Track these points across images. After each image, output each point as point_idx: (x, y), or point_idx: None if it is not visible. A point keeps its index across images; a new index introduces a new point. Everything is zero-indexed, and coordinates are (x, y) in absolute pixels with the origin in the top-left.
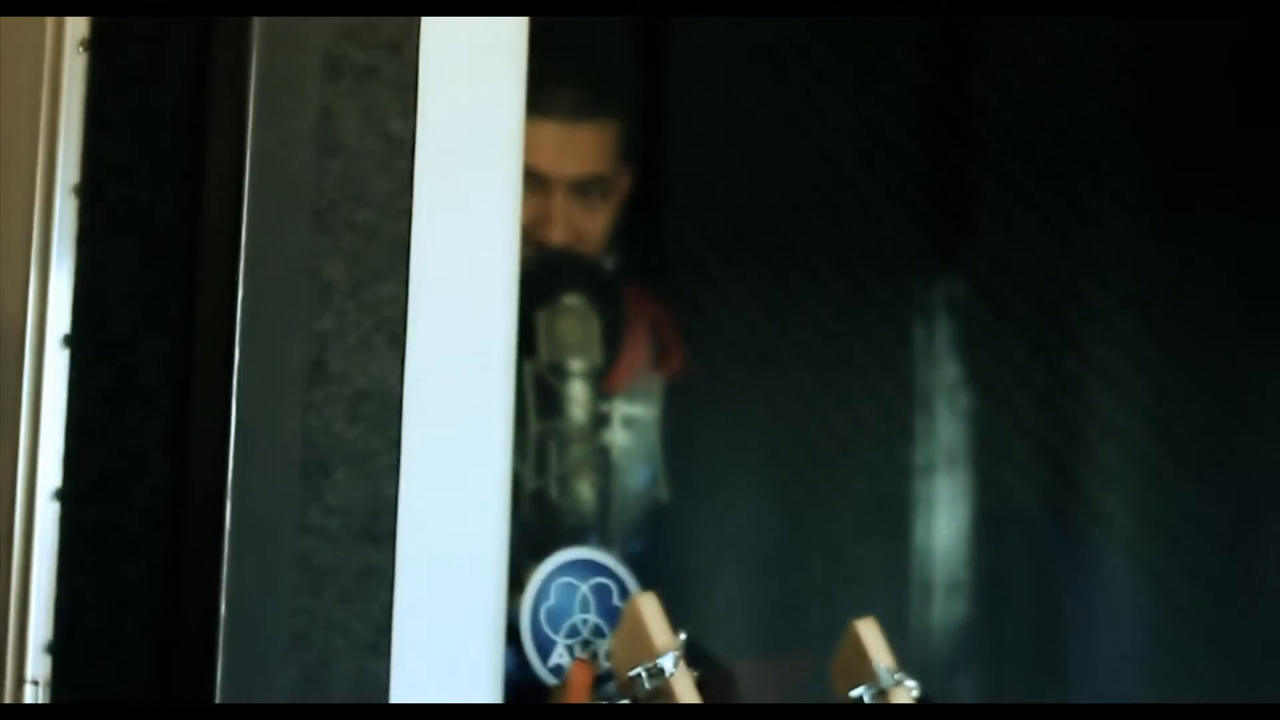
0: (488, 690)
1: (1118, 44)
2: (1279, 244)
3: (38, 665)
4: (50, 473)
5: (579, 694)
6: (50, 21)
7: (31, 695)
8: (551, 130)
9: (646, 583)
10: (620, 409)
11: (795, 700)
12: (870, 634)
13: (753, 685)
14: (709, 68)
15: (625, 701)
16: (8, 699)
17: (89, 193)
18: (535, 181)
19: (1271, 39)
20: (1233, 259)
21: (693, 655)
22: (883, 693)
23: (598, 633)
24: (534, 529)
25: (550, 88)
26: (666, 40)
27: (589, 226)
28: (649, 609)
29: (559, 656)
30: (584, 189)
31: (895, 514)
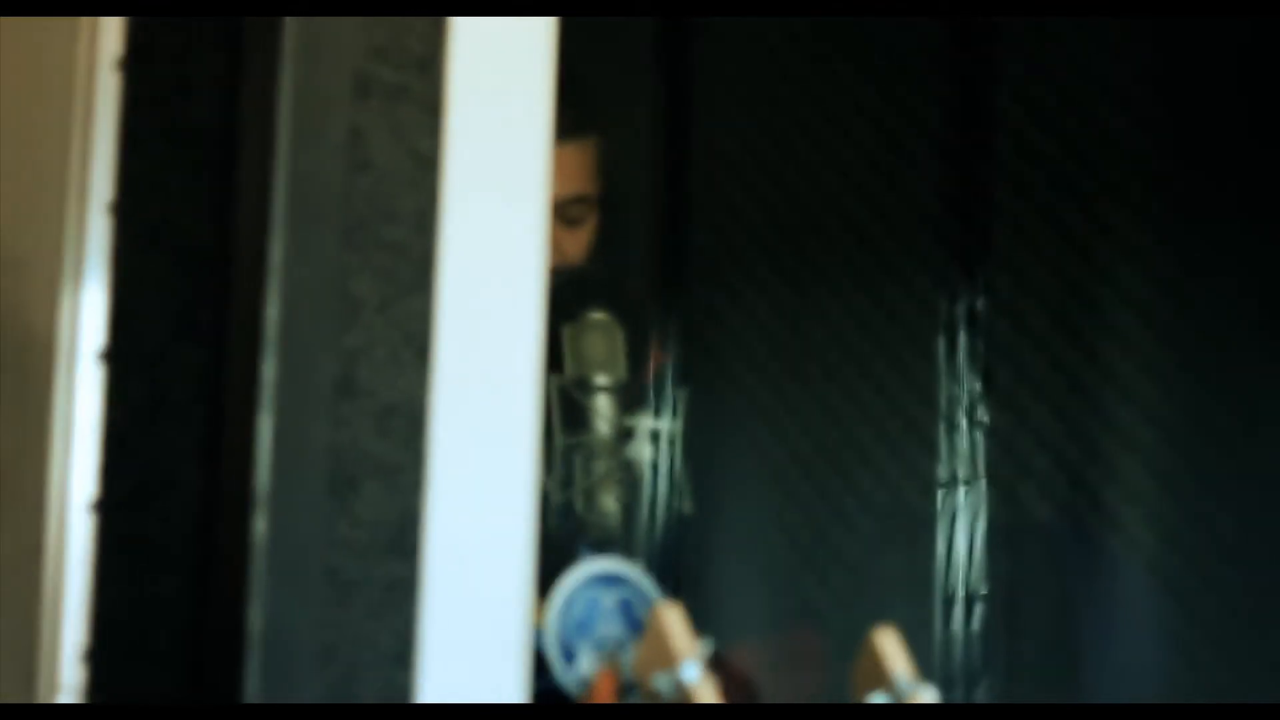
0: (513, 700)
1: (1138, 56)
2: None
3: (71, 674)
4: (85, 485)
5: (603, 703)
6: (84, 41)
7: (67, 702)
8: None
9: (669, 593)
10: (644, 423)
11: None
12: (889, 643)
13: (762, 663)
14: (730, 81)
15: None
16: None
17: (123, 210)
18: None
19: None
20: (1253, 273)
21: (716, 664)
22: (901, 701)
23: (622, 644)
24: (559, 541)
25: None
26: (688, 52)
27: (573, 247)
28: (672, 619)
29: (584, 667)
30: (566, 209)
31: (916, 525)
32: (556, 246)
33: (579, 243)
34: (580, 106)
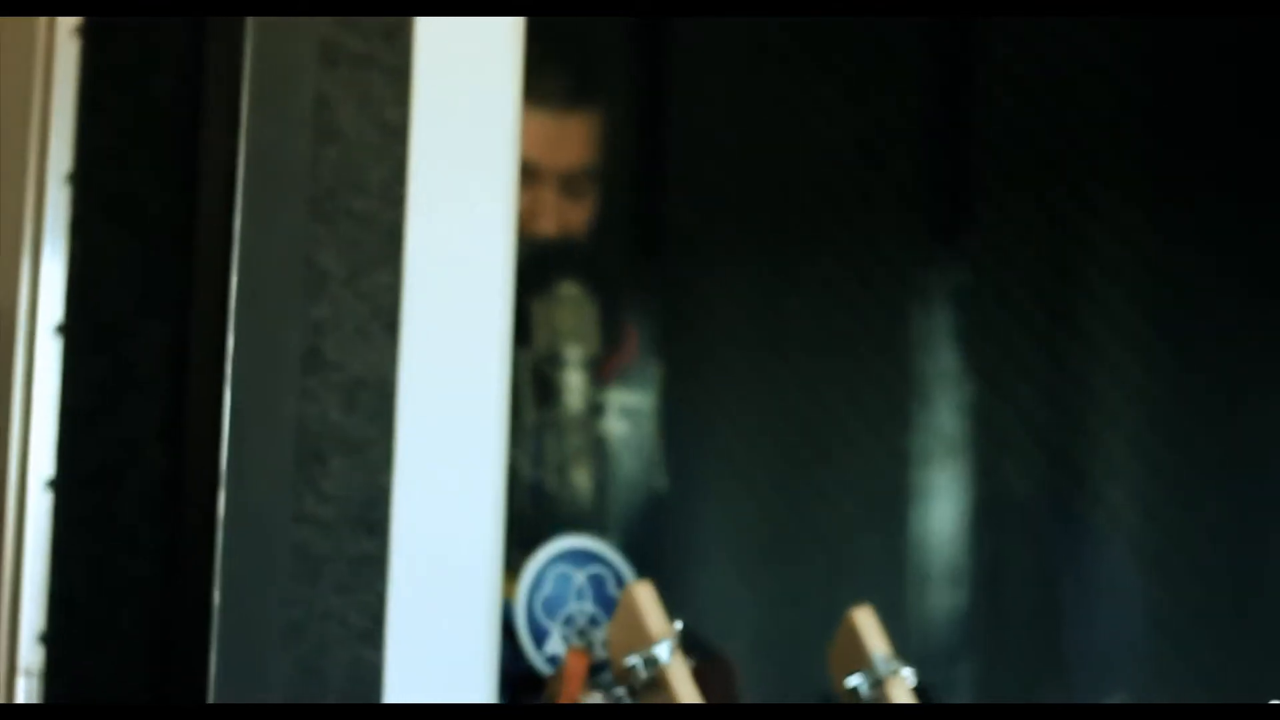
0: (483, 679)
1: (1119, 32)
2: None
3: (31, 655)
4: (43, 462)
5: (574, 683)
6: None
7: (25, 685)
8: (541, 121)
9: (642, 571)
10: (616, 398)
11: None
12: (867, 622)
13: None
14: (708, 55)
15: (621, 690)
16: (1, 690)
17: (82, 180)
18: (525, 174)
19: (1275, 31)
20: (1235, 248)
21: (688, 643)
22: (879, 681)
23: (593, 622)
24: (530, 518)
25: (539, 78)
26: (666, 28)
27: (575, 218)
28: (644, 597)
29: (555, 645)
30: (571, 181)
31: (894, 503)
32: (561, 219)
33: (581, 215)
34: (583, 78)
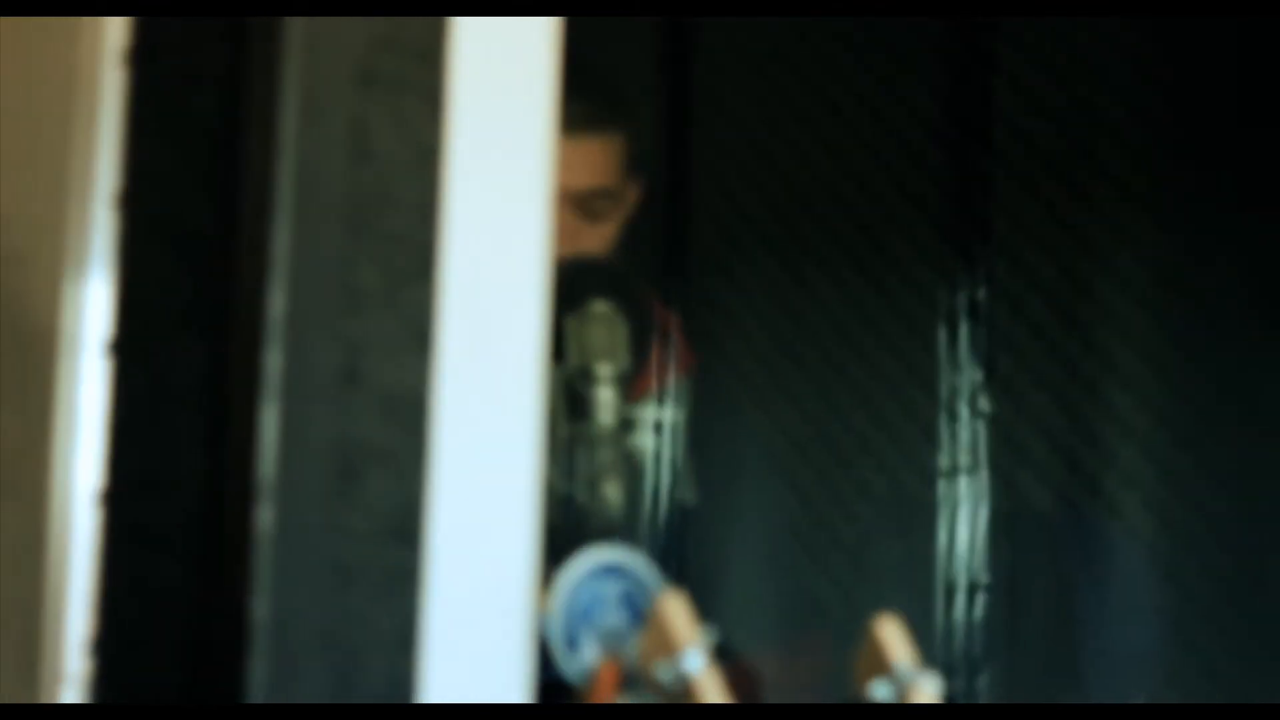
0: (517, 689)
1: (1135, 46)
2: None
3: (75, 665)
4: (89, 475)
5: (606, 693)
6: (88, 34)
7: (70, 693)
8: (558, 143)
9: (672, 583)
10: (647, 413)
11: (816, 691)
12: (890, 632)
13: (776, 678)
14: (730, 71)
15: (653, 701)
16: (46, 698)
17: (127, 202)
18: None
19: None
20: (1251, 261)
21: (719, 653)
22: (902, 690)
23: (625, 633)
24: (562, 531)
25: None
26: (687, 43)
27: (592, 241)
28: (675, 608)
29: (587, 656)
30: (589, 202)
31: (917, 514)
32: (576, 239)
33: (601, 237)
34: (603, 99)
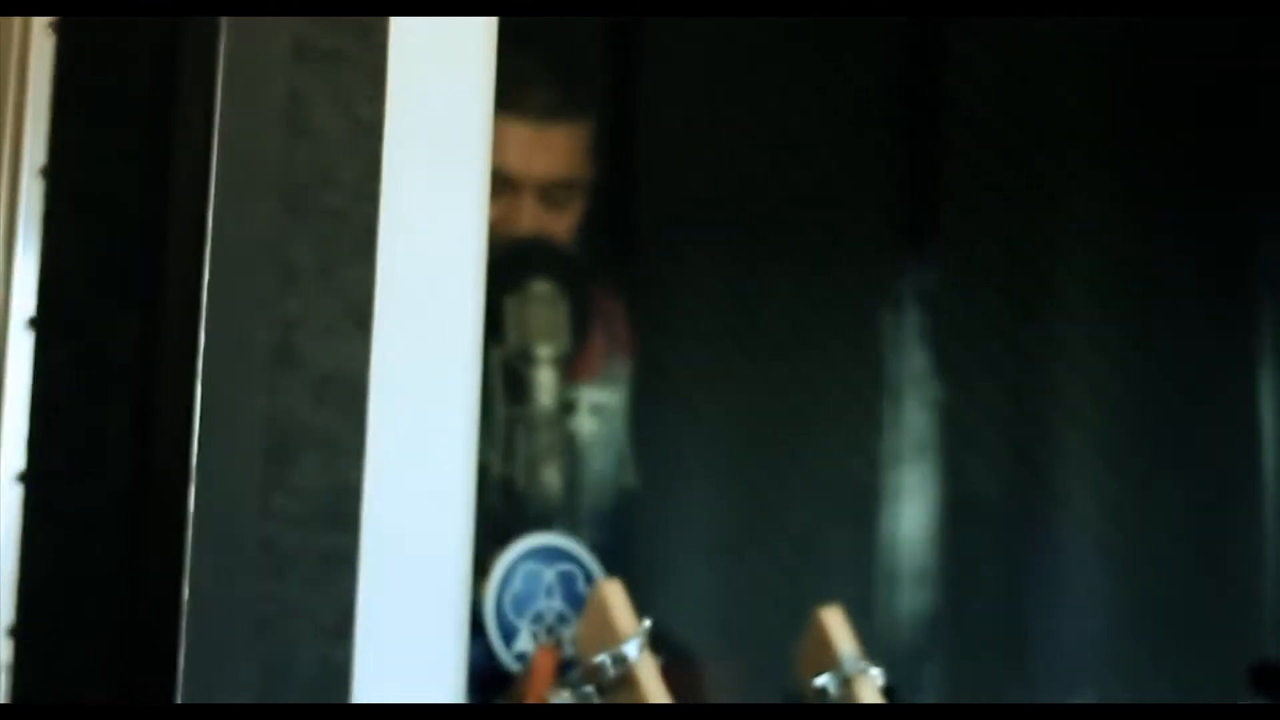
0: (452, 676)
1: (1086, 32)
2: (1246, 231)
3: None
4: (13, 455)
5: (543, 680)
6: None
7: None
8: (521, 131)
9: (611, 569)
10: (587, 396)
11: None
12: (835, 622)
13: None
14: (679, 57)
15: (589, 688)
16: None
17: (56, 175)
18: (503, 182)
19: (1237, 29)
20: (1203, 250)
21: (657, 642)
22: (847, 680)
23: (562, 619)
24: (500, 515)
25: (521, 88)
26: (637, 29)
27: (555, 228)
28: (613, 596)
29: (523, 643)
30: (552, 191)
31: (862, 502)
32: (538, 228)
33: (562, 225)
34: (568, 88)
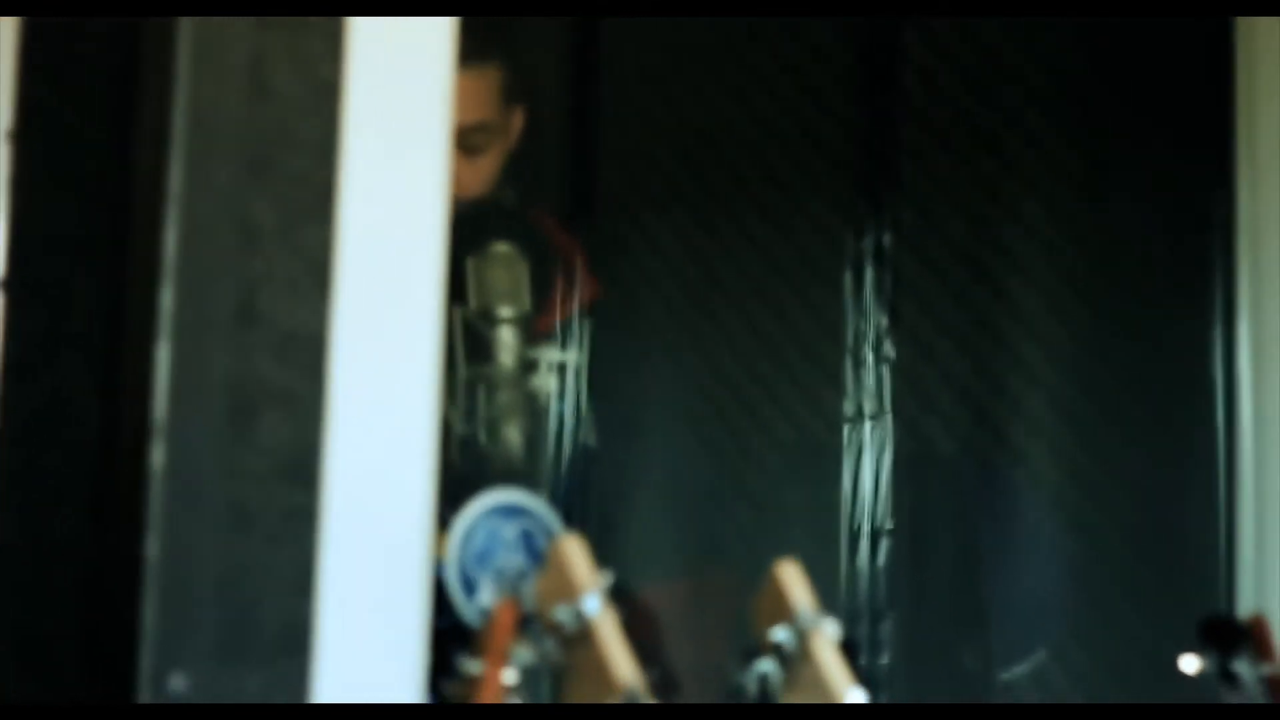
0: (414, 631)
1: None
2: (1200, 190)
3: None
4: None
5: (504, 634)
6: None
7: None
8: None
9: (572, 525)
10: (548, 355)
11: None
12: (792, 576)
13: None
14: (639, 14)
15: (549, 642)
16: None
17: (21, 138)
18: None
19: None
20: (1159, 210)
21: (616, 592)
22: (803, 634)
23: (523, 574)
24: (461, 472)
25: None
26: None
27: (472, 176)
28: (573, 551)
29: (485, 598)
30: (467, 136)
31: (821, 460)
32: (455, 175)
33: (479, 173)
34: (481, 33)
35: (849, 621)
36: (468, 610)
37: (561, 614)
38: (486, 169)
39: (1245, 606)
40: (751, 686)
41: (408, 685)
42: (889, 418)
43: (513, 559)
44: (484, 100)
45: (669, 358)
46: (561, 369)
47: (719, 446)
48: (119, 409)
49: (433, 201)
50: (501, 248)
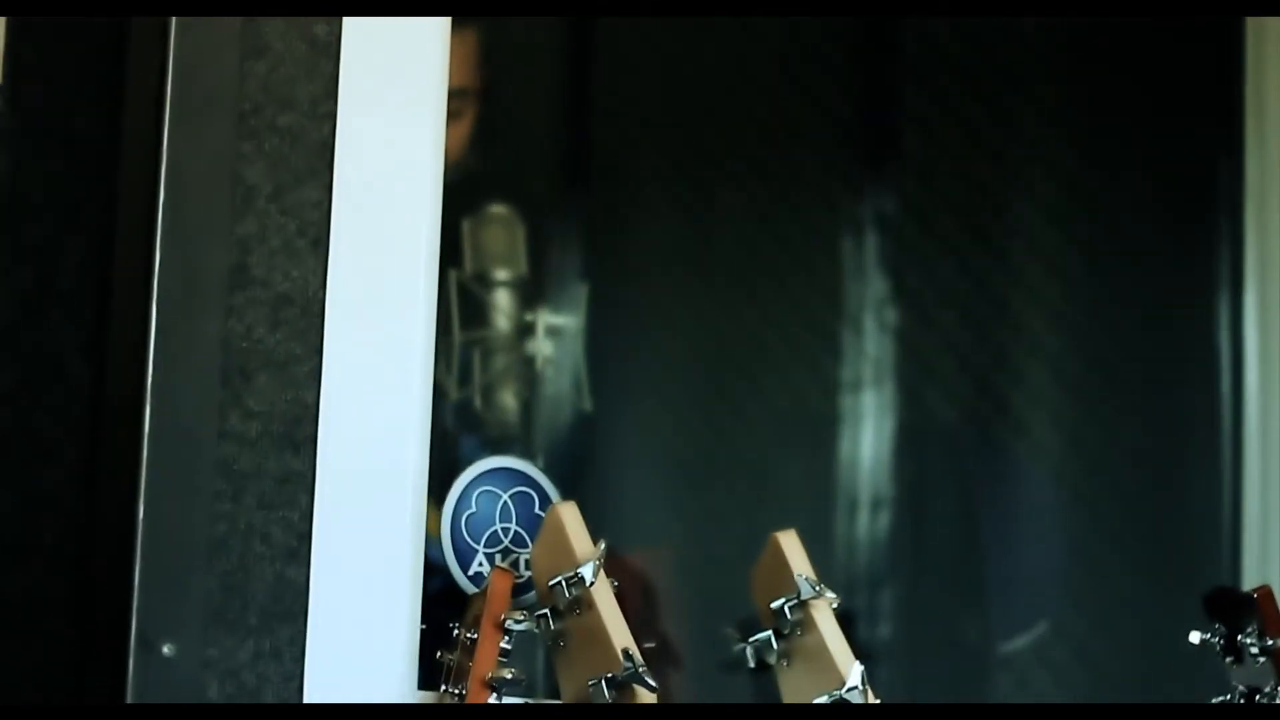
0: (407, 597)
1: None
2: (1204, 158)
3: None
4: None
5: (499, 602)
6: None
7: None
8: None
9: (567, 492)
10: (545, 319)
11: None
12: (791, 546)
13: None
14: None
15: (544, 611)
16: None
17: (9, 96)
18: None
19: None
20: (1161, 175)
21: (612, 564)
22: (802, 604)
23: (518, 541)
24: (456, 437)
25: None
26: None
27: (450, 139)
28: (569, 518)
29: (479, 565)
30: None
31: (820, 427)
32: None
33: (455, 137)
34: None
35: (847, 592)
36: (462, 577)
37: (557, 581)
38: (462, 133)
39: (1251, 579)
40: (750, 657)
41: (401, 653)
42: (889, 386)
43: (508, 525)
44: (461, 64)
45: (666, 322)
46: (557, 333)
47: (716, 413)
48: (109, 372)
49: (428, 162)
50: (497, 210)
